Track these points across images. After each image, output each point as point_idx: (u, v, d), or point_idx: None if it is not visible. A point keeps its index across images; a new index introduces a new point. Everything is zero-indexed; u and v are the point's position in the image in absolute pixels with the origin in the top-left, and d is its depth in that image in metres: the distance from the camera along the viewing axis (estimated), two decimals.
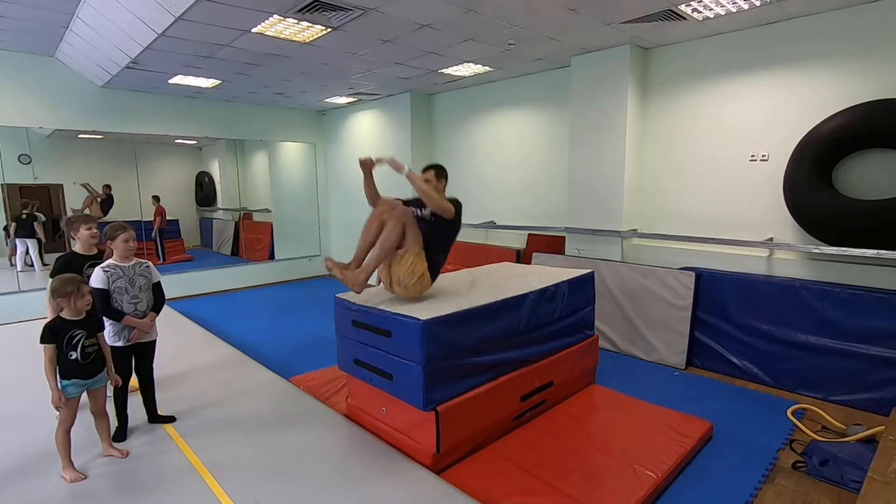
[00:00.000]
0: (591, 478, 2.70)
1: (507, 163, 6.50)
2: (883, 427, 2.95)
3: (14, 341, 5.08)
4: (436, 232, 3.08)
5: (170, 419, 3.31)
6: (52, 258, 7.29)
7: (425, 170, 3.25)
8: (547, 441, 3.10)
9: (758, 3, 3.79)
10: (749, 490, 2.74)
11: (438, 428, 2.74)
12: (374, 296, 3.21)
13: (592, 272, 3.99)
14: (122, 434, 3.09)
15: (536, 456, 2.93)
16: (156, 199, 8.17)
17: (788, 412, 3.56)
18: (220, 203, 9.34)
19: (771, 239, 4.32)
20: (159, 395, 3.38)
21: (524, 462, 2.86)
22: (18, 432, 3.17)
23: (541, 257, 5.52)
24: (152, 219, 8.18)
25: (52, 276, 3.00)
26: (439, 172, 3.22)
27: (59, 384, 2.58)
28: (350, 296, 3.19)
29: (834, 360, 3.83)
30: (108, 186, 7.66)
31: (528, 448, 3.02)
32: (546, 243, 5.94)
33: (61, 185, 7.24)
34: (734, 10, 3.91)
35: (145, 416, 3.30)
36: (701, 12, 3.96)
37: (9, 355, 4.64)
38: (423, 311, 2.78)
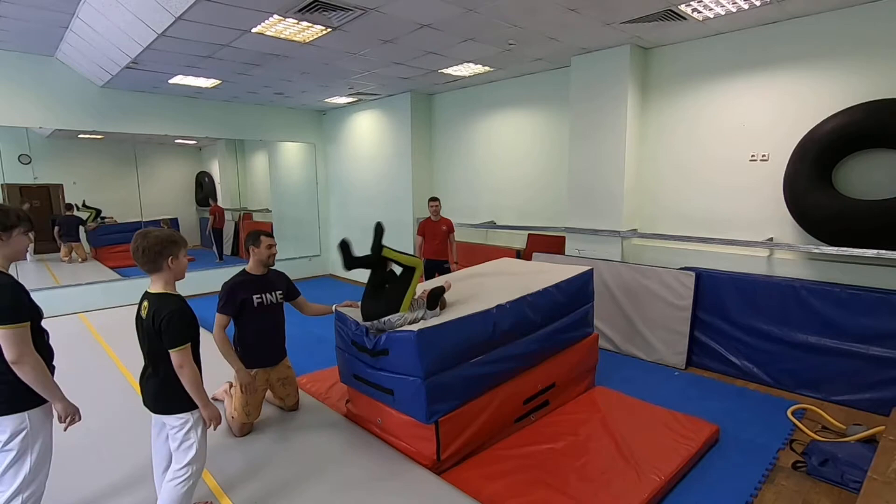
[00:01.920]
0: (594, 480, 2.70)
1: (507, 163, 6.50)
2: (883, 427, 2.95)
3: None
4: None
5: None
6: (50, 259, 7.32)
7: None
8: (550, 442, 3.09)
9: (758, 3, 3.78)
10: (749, 490, 2.74)
11: (438, 437, 2.73)
12: None
13: (591, 269, 3.97)
14: None
15: (539, 457, 2.93)
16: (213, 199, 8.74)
17: (788, 412, 3.57)
18: (220, 203, 9.33)
19: (771, 239, 4.32)
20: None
21: (526, 463, 2.86)
22: None
23: (541, 257, 5.52)
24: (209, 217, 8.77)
25: None
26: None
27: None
28: (349, 312, 3.16)
29: (834, 360, 3.83)
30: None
31: (530, 449, 3.02)
32: (546, 243, 5.94)
33: (61, 185, 7.24)
34: (734, 10, 3.90)
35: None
36: (701, 12, 3.96)
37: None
38: (417, 323, 2.76)
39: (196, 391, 2.08)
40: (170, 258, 2.07)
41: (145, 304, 2.08)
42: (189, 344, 2.06)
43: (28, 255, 6.87)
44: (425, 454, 2.78)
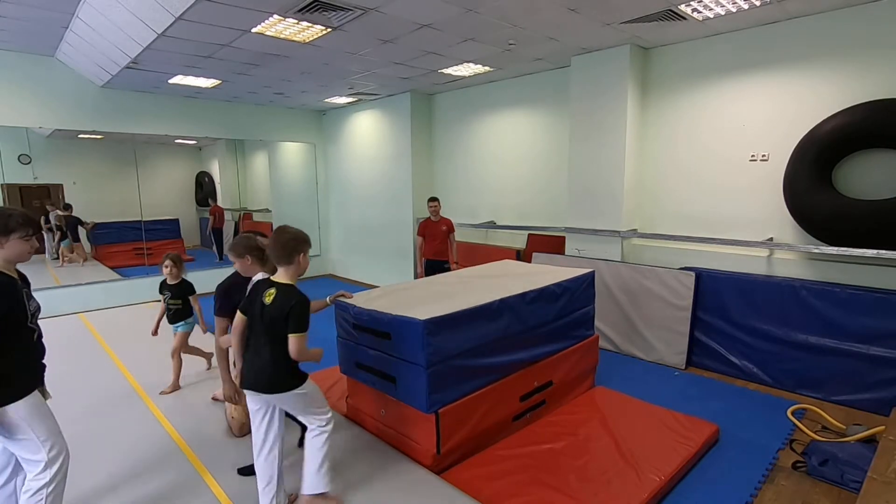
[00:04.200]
0: (594, 480, 2.70)
1: (508, 163, 6.50)
2: (883, 427, 2.95)
3: None
4: None
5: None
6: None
7: None
8: (550, 443, 3.09)
9: (758, 3, 3.79)
10: (749, 490, 2.74)
11: (438, 429, 2.74)
12: (375, 298, 3.21)
13: (593, 272, 3.98)
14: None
15: (539, 457, 2.93)
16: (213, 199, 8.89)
17: (788, 412, 3.57)
18: (220, 203, 9.34)
19: (771, 239, 4.32)
20: (161, 398, 3.37)
21: (526, 463, 2.86)
22: None
23: (541, 257, 5.52)
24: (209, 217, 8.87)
25: None
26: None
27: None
28: (349, 300, 3.18)
29: (834, 360, 3.83)
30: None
31: (530, 449, 3.02)
32: (546, 243, 5.94)
33: (61, 185, 7.24)
34: (734, 10, 3.90)
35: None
36: (701, 12, 3.96)
37: None
38: (423, 312, 2.78)
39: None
40: (301, 254, 2.27)
41: (272, 290, 2.23)
42: (306, 332, 2.22)
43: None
44: (426, 447, 2.79)
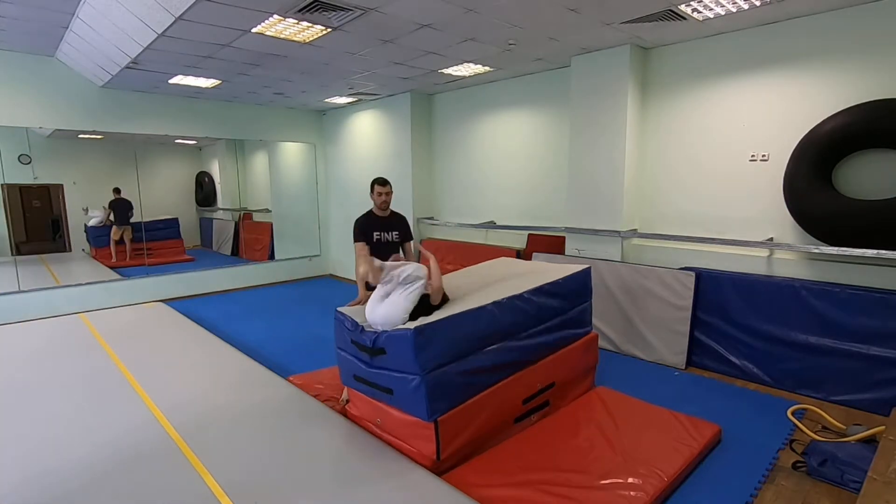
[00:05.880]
0: (595, 481, 2.69)
1: (507, 163, 6.50)
2: (883, 427, 2.95)
3: (14, 342, 5.08)
4: None
5: None
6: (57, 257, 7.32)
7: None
8: (550, 443, 3.09)
9: (758, 3, 3.79)
10: (749, 490, 2.74)
11: (438, 436, 2.73)
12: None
13: (589, 267, 3.95)
14: None
15: (539, 458, 2.93)
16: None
17: (788, 412, 3.57)
18: (220, 203, 9.33)
19: (771, 239, 4.32)
20: (160, 398, 3.36)
21: (526, 464, 2.86)
22: (18, 435, 3.18)
23: (541, 257, 5.52)
24: None
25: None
26: None
27: None
28: (348, 311, 3.16)
29: (834, 360, 3.83)
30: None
31: (532, 450, 3.02)
32: (546, 243, 5.94)
33: (61, 185, 7.24)
34: (734, 10, 3.90)
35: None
36: (701, 12, 3.96)
37: (10, 357, 4.64)
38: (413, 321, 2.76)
39: None
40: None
41: None
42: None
43: None
44: (425, 454, 2.78)
